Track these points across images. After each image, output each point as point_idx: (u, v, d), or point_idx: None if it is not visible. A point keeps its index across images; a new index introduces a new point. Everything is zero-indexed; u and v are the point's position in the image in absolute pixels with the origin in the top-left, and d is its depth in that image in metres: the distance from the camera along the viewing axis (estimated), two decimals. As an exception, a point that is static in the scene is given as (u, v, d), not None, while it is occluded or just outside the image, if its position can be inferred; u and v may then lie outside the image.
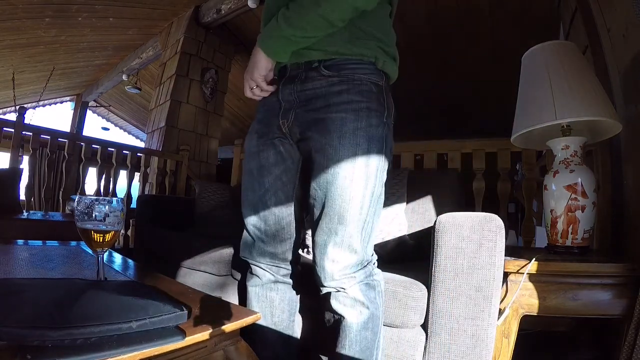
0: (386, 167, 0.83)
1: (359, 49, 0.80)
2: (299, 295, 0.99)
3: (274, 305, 0.93)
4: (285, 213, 0.89)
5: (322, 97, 0.81)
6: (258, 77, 0.82)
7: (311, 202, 0.82)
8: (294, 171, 0.89)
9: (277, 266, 0.92)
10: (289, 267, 0.93)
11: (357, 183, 0.77)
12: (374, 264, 0.85)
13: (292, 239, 0.91)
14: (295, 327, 0.97)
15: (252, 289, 0.94)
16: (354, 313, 0.79)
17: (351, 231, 0.77)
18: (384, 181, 0.84)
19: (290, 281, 0.95)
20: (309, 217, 0.88)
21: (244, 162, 0.94)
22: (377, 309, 0.81)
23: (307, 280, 0.95)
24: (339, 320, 0.81)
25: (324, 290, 0.81)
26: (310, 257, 0.99)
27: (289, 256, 0.92)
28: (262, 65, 0.81)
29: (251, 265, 0.95)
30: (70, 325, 0.43)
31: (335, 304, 0.80)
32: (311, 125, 0.82)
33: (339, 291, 0.79)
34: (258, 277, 0.94)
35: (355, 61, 0.80)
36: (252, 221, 0.91)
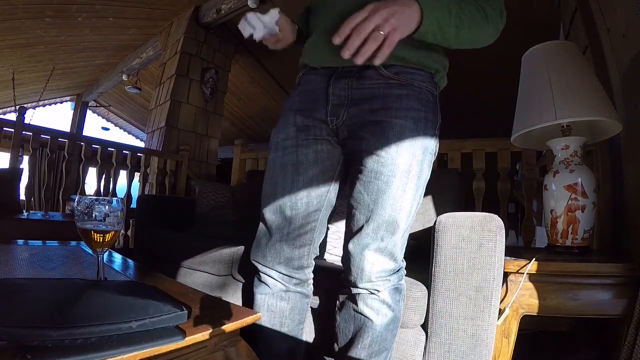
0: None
1: (424, 60, 0.78)
2: (309, 304, 0.96)
3: (285, 315, 0.89)
4: (313, 217, 0.85)
5: (380, 98, 0.77)
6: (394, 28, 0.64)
7: (354, 205, 0.79)
8: (332, 174, 0.85)
9: (289, 275, 0.87)
10: (302, 276, 0.89)
11: (408, 194, 0.75)
12: (403, 269, 0.84)
13: (311, 245, 0.87)
14: (302, 334, 0.95)
15: (261, 297, 0.89)
16: (380, 315, 0.78)
17: (396, 240, 0.76)
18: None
19: (303, 289, 0.90)
20: (346, 221, 0.84)
21: (273, 154, 0.86)
22: (399, 311, 0.81)
23: (318, 283, 0.94)
24: (361, 320, 0.80)
25: (355, 291, 0.80)
26: (330, 261, 0.96)
27: (304, 263, 0.87)
28: (413, 23, 0.66)
29: (261, 273, 0.88)
30: (70, 325, 0.43)
31: (362, 305, 0.79)
32: (366, 126, 0.78)
33: (372, 293, 0.78)
34: (268, 286, 0.88)
35: (415, 68, 0.79)
36: (274, 220, 0.84)
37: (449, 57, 0.85)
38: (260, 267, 0.88)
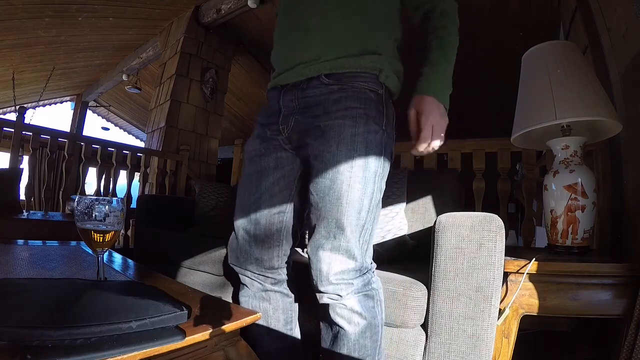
0: (385, 174, 0.83)
1: (366, 62, 0.82)
2: (296, 303, 0.96)
3: (268, 315, 0.91)
4: (277, 219, 0.88)
5: (321, 104, 0.82)
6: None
7: (309, 208, 0.82)
8: (292, 178, 0.89)
9: (263, 275, 0.90)
10: (277, 276, 0.91)
11: (354, 187, 0.76)
12: (372, 272, 0.83)
13: (280, 247, 0.89)
14: (294, 334, 0.95)
15: (244, 300, 0.93)
16: (352, 324, 0.77)
17: (349, 236, 0.76)
18: (383, 188, 0.83)
19: (282, 289, 0.93)
20: (307, 222, 0.87)
21: (244, 166, 0.94)
22: (374, 317, 0.79)
23: (304, 281, 0.94)
24: (336, 329, 0.80)
25: (321, 298, 0.79)
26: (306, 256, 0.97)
27: (276, 264, 0.89)
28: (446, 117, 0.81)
29: (239, 275, 0.93)
30: (70, 325, 0.43)
31: (332, 314, 0.79)
32: (309, 132, 0.83)
33: (336, 300, 0.77)
34: (247, 286, 0.92)
35: (357, 72, 0.82)
36: (242, 224, 0.90)
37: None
38: (236, 268, 0.93)
